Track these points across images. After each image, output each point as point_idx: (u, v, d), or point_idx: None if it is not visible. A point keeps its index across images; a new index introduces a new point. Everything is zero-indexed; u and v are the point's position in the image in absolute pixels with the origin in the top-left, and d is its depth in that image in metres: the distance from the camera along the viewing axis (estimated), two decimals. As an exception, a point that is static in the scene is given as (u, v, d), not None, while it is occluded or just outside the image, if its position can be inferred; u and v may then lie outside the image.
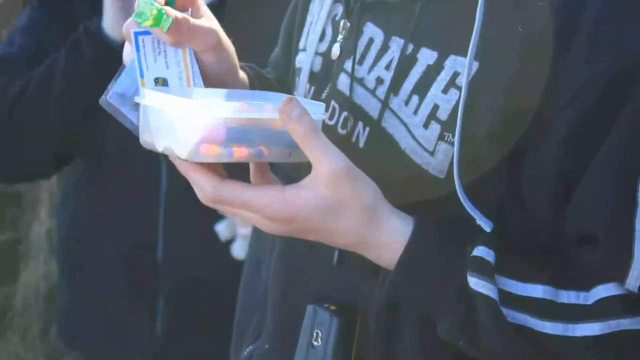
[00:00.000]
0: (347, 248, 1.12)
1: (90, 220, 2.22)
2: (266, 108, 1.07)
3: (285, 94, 1.15)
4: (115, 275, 2.18)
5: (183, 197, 2.13)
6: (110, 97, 1.18)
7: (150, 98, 1.10)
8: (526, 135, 1.09)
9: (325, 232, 1.09)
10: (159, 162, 2.10)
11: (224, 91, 1.18)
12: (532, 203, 1.11)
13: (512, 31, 1.09)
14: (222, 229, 2.13)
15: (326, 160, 1.06)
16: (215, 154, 1.05)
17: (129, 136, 2.09)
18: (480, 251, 1.09)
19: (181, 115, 1.05)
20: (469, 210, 1.10)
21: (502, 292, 1.07)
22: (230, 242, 2.15)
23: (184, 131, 1.05)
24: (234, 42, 1.24)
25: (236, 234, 2.14)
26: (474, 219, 1.11)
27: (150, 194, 2.14)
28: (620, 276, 1.07)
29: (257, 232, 1.41)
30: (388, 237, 1.10)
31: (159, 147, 1.09)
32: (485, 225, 1.11)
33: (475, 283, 1.07)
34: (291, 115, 1.05)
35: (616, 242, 1.08)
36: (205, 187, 1.07)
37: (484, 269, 1.07)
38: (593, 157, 1.07)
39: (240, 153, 1.07)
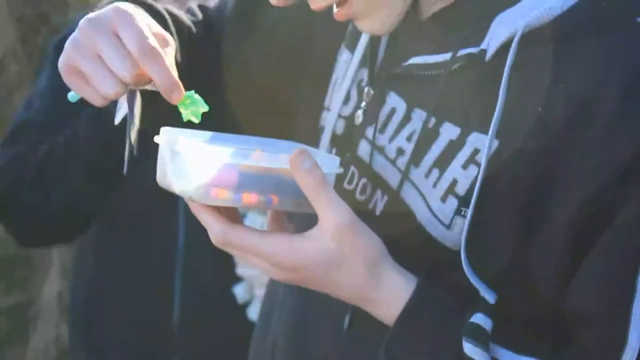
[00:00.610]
0: (349, 301, 1.14)
1: (105, 283, 2.21)
2: (281, 158, 1.09)
3: (298, 144, 1.18)
4: (131, 339, 2.16)
5: (200, 260, 2.13)
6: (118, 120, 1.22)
7: (166, 138, 1.12)
8: (539, 213, 1.10)
9: (327, 283, 1.11)
10: (176, 224, 2.09)
11: (237, 137, 1.20)
12: (537, 278, 1.11)
13: (533, 111, 1.10)
14: (240, 291, 2.12)
15: (332, 214, 1.08)
16: (225, 198, 1.08)
17: (147, 198, 2.13)
18: (478, 318, 1.09)
19: (196, 158, 1.07)
20: (474, 283, 1.11)
21: None
22: (247, 304, 2.14)
23: (196, 174, 1.07)
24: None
25: (254, 296, 2.13)
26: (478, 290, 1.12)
27: (166, 257, 2.13)
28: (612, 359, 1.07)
29: (270, 286, 1.42)
30: (388, 293, 1.12)
31: (173, 187, 1.11)
32: (489, 297, 1.11)
33: (470, 349, 1.08)
34: (301, 167, 1.07)
35: (611, 326, 1.08)
36: (214, 230, 1.10)
37: (479, 336, 1.08)
38: (598, 239, 1.08)
39: (249, 199, 1.09)
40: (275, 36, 1.41)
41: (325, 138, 1.32)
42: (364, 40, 1.30)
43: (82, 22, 1.13)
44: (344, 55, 1.35)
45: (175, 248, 2.11)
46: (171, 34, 1.31)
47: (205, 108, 1.12)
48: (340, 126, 1.31)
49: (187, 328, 2.12)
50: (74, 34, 1.13)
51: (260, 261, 1.10)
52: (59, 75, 2.16)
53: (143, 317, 2.14)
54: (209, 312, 2.13)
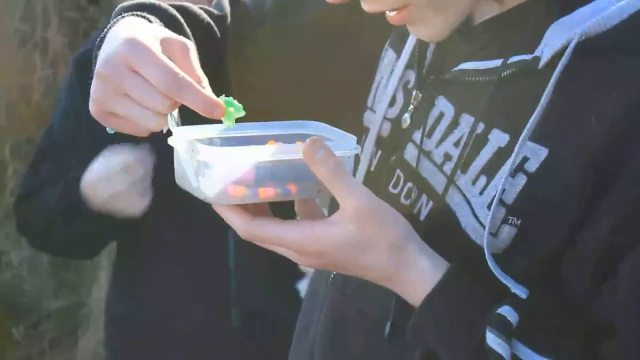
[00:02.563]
0: (377, 282, 1.14)
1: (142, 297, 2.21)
2: (297, 149, 1.10)
3: (308, 124, 1.19)
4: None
5: (251, 278, 2.13)
6: None
7: (181, 141, 1.12)
8: (585, 220, 1.09)
9: (354, 266, 1.12)
10: (226, 244, 2.11)
11: (250, 125, 1.19)
12: (569, 281, 1.10)
13: (584, 120, 1.09)
14: (304, 287, 2.13)
15: (351, 198, 1.09)
16: (242, 195, 1.10)
17: (195, 218, 2.08)
18: (505, 310, 1.09)
19: (211, 160, 1.09)
20: (502, 279, 1.11)
21: (514, 358, 1.08)
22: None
23: (212, 175, 1.09)
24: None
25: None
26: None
27: (219, 279, 2.13)
28: None
29: (311, 284, 1.43)
30: (415, 276, 1.12)
31: (191, 189, 1.12)
32: (521, 292, 1.11)
33: (492, 339, 1.08)
34: (315, 156, 1.08)
35: (635, 338, 1.07)
36: (237, 226, 1.12)
37: (504, 328, 1.08)
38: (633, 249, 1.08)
39: (265, 194, 1.10)
40: (318, 34, 1.39)
41: (370, 139, 1.31)
42: (411, 42, 1.30)
43: (97, 66, 1.11)
44: (388, 55, 1.34)
45: (227, 269, 2.12)
46: (187, 36, 1.30)
47: (241, 113, 1.13)
48: (386, 128, 1.30)
49: (245, 337, 2.14)
50: (94, 80, 1.12)
51: (286, 250, 1.12)
52: (77, 96, 2.16)
53: (199, 341, 2.14)
54: (265, 325, 2.14)
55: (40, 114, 3.78)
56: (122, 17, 1.22)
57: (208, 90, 1.10)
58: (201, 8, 1.38)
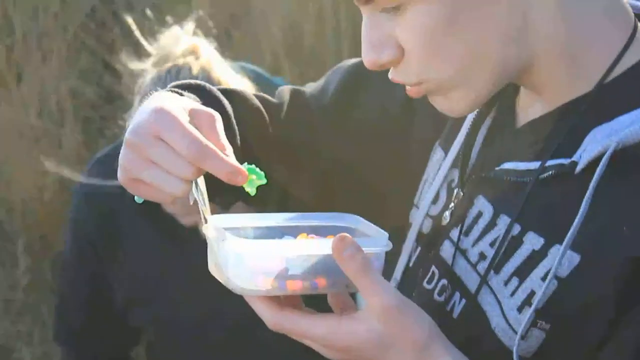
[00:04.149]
0: None
1: None
2: (327, 244, 1.12)
3: (342, 216, 1.22)
4: None
5: None
6: None
7: (214, 231, 1.15)
8: (613, 330, 1.10)
9: None
10: None
11: (283, 216, 1.22)
12: None
13: (617, 229, 1.11)
14: None
15: (378, 297, 1.10)
16: (270, 288, 1.12)
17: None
18: None
19: (241, 253, 1.11)
20: None
21: None
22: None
23: (242, 268, 1.11)
24: None
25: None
26: None
27: None
28: None
29: None
30: None
31: (223, 279, 1.14)
32: None
33: None
34: (344, 252, 1.10)
35: None
36: (266, 317, 1.14)
37: None
38: None
39: (294, 286, 1.13)
40: (373, 130, 1.43)
41: (412, 235, 1.34)
42: (459, 141, 1.32)
43: (127, 134, 1.16)
44: (437, 154, 1.37)
45: None
46: (228, 116, 1.34)
47: (263, 181, 1.15)
48: (427, 225, 1.33)
49: None
50: (123, 148, 1.17)
51: (313, 342, 1.14)
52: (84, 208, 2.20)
53: None
54: None
55: (54, 211, 3.83)
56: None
57: (232, 158, 1.14)
58: (257, 96, 1.43)
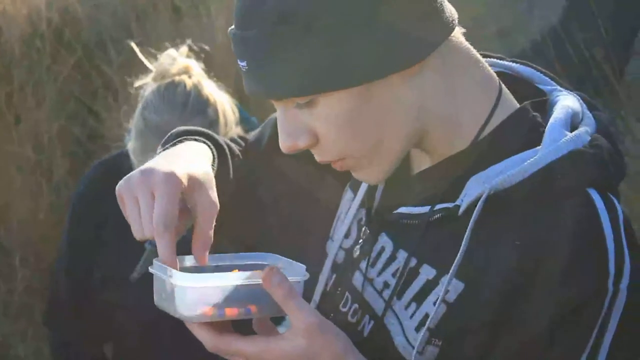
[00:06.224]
0: None
1: None
2: (257, 275, 1.19)
3: (270, 256, 1.28)
4: None
5: None
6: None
7: (159, 269, 1.20)
8: (489, 346, 1.19)
9: None
10: None
11: (219, 257, 1.29)
12: None
13: (494, 260, 1.18)
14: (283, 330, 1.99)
15: (302, 317, 1.17)
16: (211, 315, 1.18)
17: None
18: None
19: (183, 286, 1.17)
20: None
21: None
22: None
23: (185, 299, 1.17)
24: None
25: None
26: None
27: None
28: None
29: None
30: None
31: (168, 310, 1.20)
32: None
33: None
34: (272, 281, 1.18)
35: None
36: (205, 340, 1.20)
37: None
38: None
39: (231, 312, 1.19)
40: (293, 178, 1.48)
41: (328, 263, 1.41)
42: (365, 185, 1.38)
43: (143, 167, 1.22)
44: (348, 194, 1.44)
45: None
46: (228, 163, 1.43)
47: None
48: (341, 256, 1.40)
49: None
50: (134, 172, 1.22)
51: None
52: (75, 232, 2.37)
53: None
54: None
55: (46, 230, 3.96)
56: (186, 139, 1.36)
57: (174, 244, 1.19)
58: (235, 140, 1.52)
